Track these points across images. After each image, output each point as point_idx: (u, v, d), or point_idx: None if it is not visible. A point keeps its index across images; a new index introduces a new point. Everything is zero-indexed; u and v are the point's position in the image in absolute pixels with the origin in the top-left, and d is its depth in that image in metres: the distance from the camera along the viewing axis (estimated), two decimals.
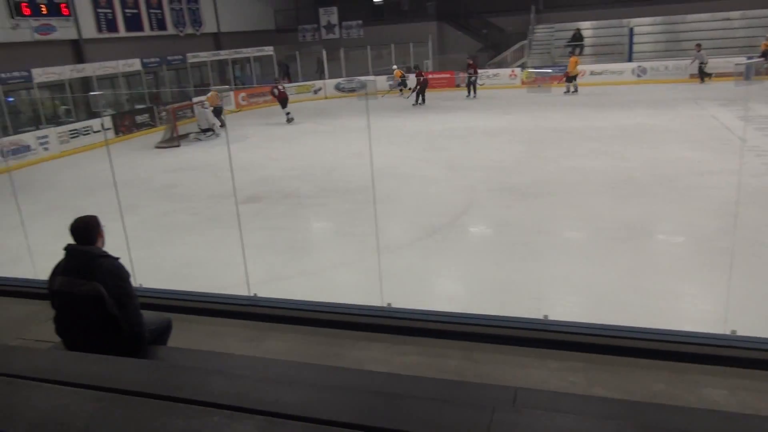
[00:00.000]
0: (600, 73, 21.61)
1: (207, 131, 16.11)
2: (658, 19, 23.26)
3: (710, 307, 5.17)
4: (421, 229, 7.78)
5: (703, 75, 20.13)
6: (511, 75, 22.74)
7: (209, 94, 17.51)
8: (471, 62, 21.39)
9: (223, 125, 16.00)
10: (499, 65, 24.27)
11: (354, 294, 5.33)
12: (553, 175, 9.88)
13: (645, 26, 23.36)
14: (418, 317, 4.31)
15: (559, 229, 7.49)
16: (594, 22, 24.22)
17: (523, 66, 23.41)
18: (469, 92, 21.11)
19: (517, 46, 24.35)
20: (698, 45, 20.28)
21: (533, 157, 11.13)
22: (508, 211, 8.32)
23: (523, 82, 22.32)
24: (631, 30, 22.77)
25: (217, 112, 16.85)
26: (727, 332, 3.75)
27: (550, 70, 21.81)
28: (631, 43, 22.51)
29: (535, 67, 22.86)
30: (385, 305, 4.46)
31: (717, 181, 8.93)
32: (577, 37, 23.74)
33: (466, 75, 21.45)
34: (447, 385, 3.04)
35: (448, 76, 23.70)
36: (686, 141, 11.80)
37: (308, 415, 1.59)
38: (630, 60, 21.99)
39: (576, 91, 20.36)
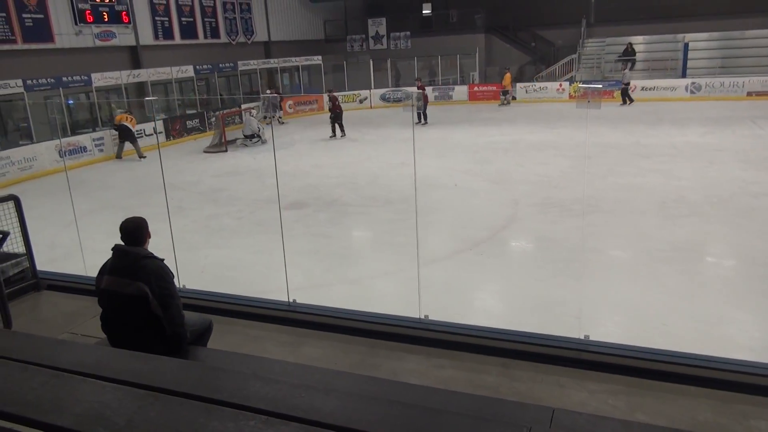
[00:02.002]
0: (652, 89, 21.10)
1: (252, 137, 16.44)
2: (715, 34, 22.57)
3: (761, 334, 4.96)
4: (462, 242, 7.72)
5: (625, 97, 20.18)
6: (558, 89, 22.43)
7: (118, 113, 15.79)
8: (420, 84, 19.76)
9: (120, 156, 15.32)
10: (548, 79, 23.98)
11: (392, 304, 5.33)
12: (599, 191, 9.65)
13: (701, 41, 22.70)
14: (455, 330, 4.28)
15: (604, 247, 7.28)
16: (647, 37, 23.68)
17: (571, 80, 23.06)
18: (419, 118, 18.47)
19: (566, 59, 24.02)
20: (624, 65, 20.35)
21: (579, 172, 10.92)
22: (551, 227, 8.17)
23: (571, 96, 21.98)
24: (686, 45, 22.17)
25: (128, 134, 15.23)
26: None
27: (600, 85, 21.35)
28: (685, 59, 21.92)
29: (584, 82, 22.46)
30: (422, 317, 4.44)
31: None
32: (629, 51, 23.30)
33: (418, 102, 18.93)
34: (483, 401, 2.99)
35: (494, 88, 23.55)
36: (741, 161, 11.39)
37: (343, 424, 1.59)
38: (684, 76, 21.41)
39: (509, 103, 21.39)
